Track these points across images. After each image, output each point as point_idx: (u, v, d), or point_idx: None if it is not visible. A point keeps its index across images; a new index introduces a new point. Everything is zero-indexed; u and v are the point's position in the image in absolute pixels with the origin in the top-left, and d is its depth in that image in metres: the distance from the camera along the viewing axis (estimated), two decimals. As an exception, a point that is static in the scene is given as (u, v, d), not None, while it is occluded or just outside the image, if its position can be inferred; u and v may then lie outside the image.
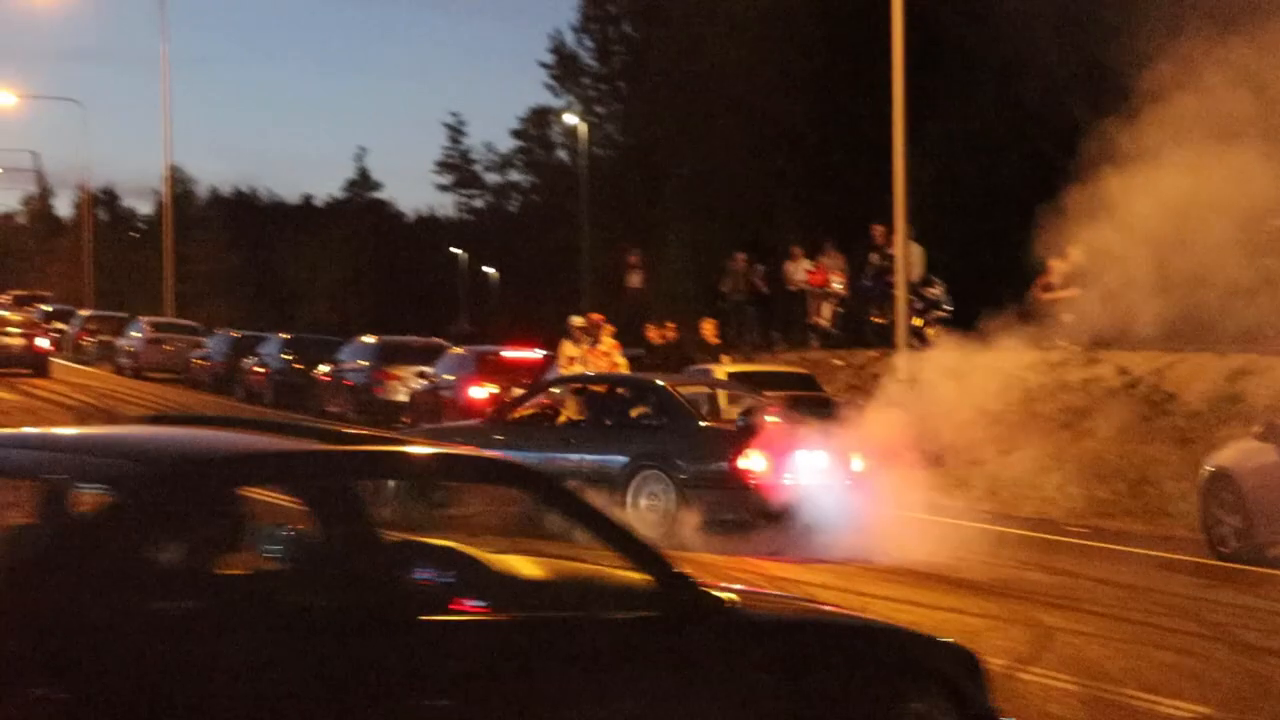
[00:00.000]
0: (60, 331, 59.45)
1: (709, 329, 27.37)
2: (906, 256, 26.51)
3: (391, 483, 6.83)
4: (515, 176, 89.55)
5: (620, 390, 19.13)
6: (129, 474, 5.67)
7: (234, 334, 45.35)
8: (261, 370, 39.23)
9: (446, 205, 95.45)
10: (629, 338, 30.45)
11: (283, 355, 38.89)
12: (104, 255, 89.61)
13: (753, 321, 34.69)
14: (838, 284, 32.00)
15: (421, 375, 31.52)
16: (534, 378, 27.83)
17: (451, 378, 30.03)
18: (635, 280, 37.37)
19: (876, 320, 29.77)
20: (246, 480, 6.11)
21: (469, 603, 6.13)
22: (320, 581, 5.82)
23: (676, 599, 6.20)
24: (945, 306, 28.72)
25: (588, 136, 61.04)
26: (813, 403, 22.63)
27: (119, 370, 48.26)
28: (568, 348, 26.47)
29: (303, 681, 5.44)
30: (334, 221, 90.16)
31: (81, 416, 31.48)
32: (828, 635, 6.98)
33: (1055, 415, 23.62)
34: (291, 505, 6.24)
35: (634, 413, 18.32)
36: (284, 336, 41.43)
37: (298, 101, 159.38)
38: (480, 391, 29.36)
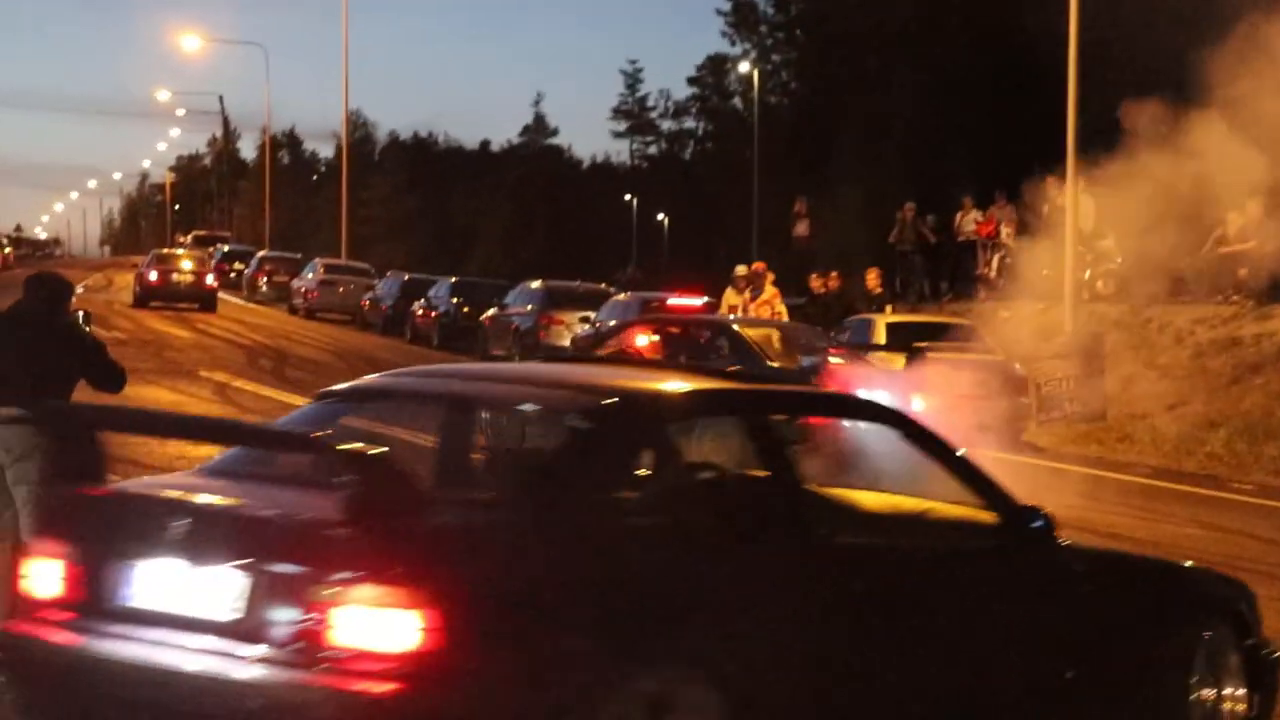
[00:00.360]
0: (239, 272, 60.61)
1: (873, 279, 27.09)
2: (1077, 208, 25.98)
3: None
4: (690, 124, 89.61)
5: (693, 331, 19.70)
6: (600, 408, 6.46)
7: (405, 277, 45.83)
8: (429, 313, 39.60)
9: (621, 152, 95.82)
10: (795, 287, 30.29)
11: (451, 298, 39.22)
12: (284, 198, 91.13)
13: (920, 272, 34.33)
14: (1007, 235, 31.51)
15: (585, 320, 31.58)
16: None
17: (614, 323, 30.05)
18: (802, 229, 37.13)
19: (1045, 272, 29.26)
20: (702, 413, 6.98)
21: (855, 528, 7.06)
22: (748, 502, 6.66)
23: (1019, 531, 7.06)
24: (1116, 259, 28.16)
25: (760, 85, 60.70)
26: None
27: (292, 311, 49.03)
28: (730, 296, 26.38)
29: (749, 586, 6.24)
30: (509, 167, 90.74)
31: (252, 355, 32.01)
32: (1137, 568, 8.04)
33: (1225, 371, 23.11)
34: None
35: (708, 352, 18.86)
36: (453, 280, 41.77)
37: (477, 48, 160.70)
38: (642, 338, 29.37)
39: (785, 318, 25.81)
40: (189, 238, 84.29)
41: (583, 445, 6.32)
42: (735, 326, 19.19)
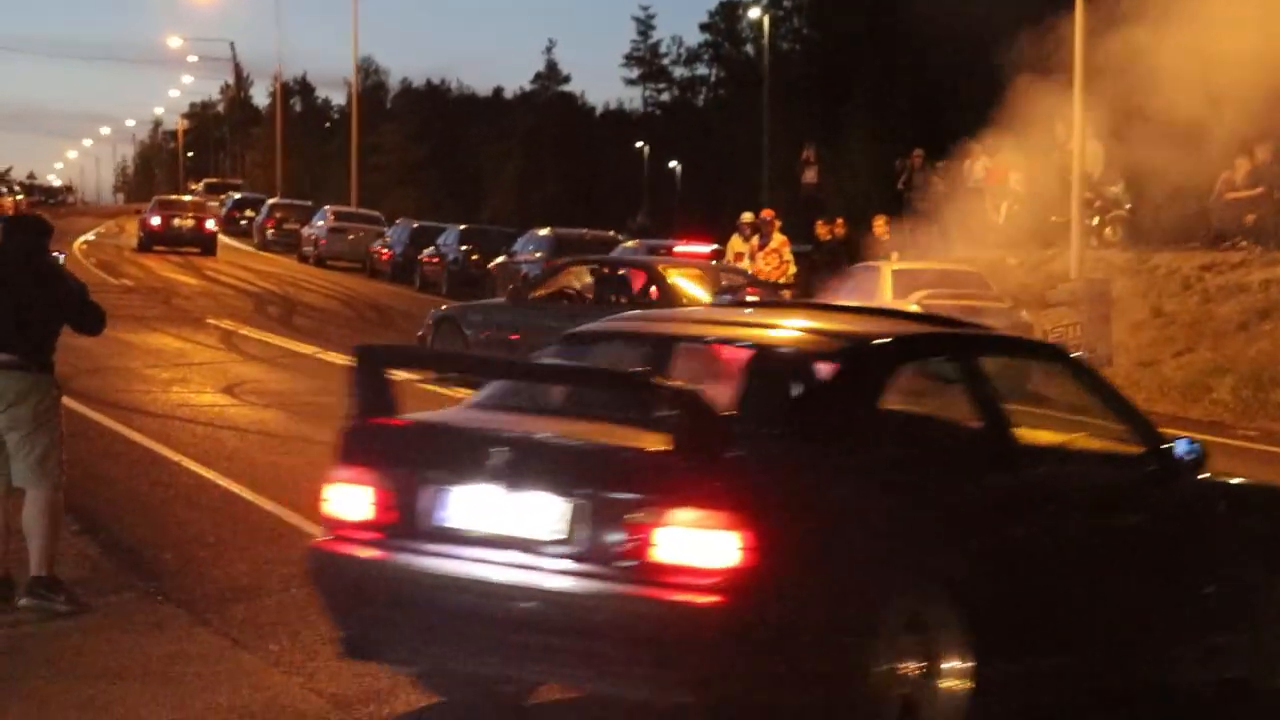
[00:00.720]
0: (250, 219, 60.55)
1: (880, 226, 27.02)
2: (1083, 153, 25.83)
3: None
4: (702, 70, 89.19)
5: (623, 272, 20.41)
6: (856, 350, 7.06)
7: (414, 224, 45.76)
8: (437, 260, 39.56)
9: (634, 99, 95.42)
10: (805, 234, 30.18)
11: (460, 246, 39.17)
12: (297, 145, 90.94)
13: (928, 219, 34.16)
14: (1015, 181, 31.34)
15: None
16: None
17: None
18: (810, 176, 36.96)
19: (1053, 219, 29.14)
20: (932, 354, 7.54)
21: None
22: (971, 435, 7.23)
23: (1168, 462, 7.62)
24: (1125, 206, 28.06)
25: (771, 31, 60.39)
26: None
27: (302, 259, 48.99)
28: (736, 243, 26.30)
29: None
30: (521, 114, 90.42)
31: (260, 303, 32.02)
32: (1266, 494, 8.61)
33: (1232, 317, 23.00)
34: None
35: (635, 293, 19.52)
36: (462, 228, 41.68)
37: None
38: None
39: (792, 266, 25.74)
40: (200, 185, 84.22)
41: (843, 384, 6.92)
42: (659, 268, 20.00)
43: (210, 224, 49.01)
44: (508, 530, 6.41)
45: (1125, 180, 27.75)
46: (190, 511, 11.21)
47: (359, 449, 6.86)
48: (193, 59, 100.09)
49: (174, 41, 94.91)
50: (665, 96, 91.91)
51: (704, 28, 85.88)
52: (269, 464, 13.22)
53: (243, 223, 61.16)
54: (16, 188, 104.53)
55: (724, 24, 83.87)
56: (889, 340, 7.31)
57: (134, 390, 17.61)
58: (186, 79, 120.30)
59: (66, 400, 9.72)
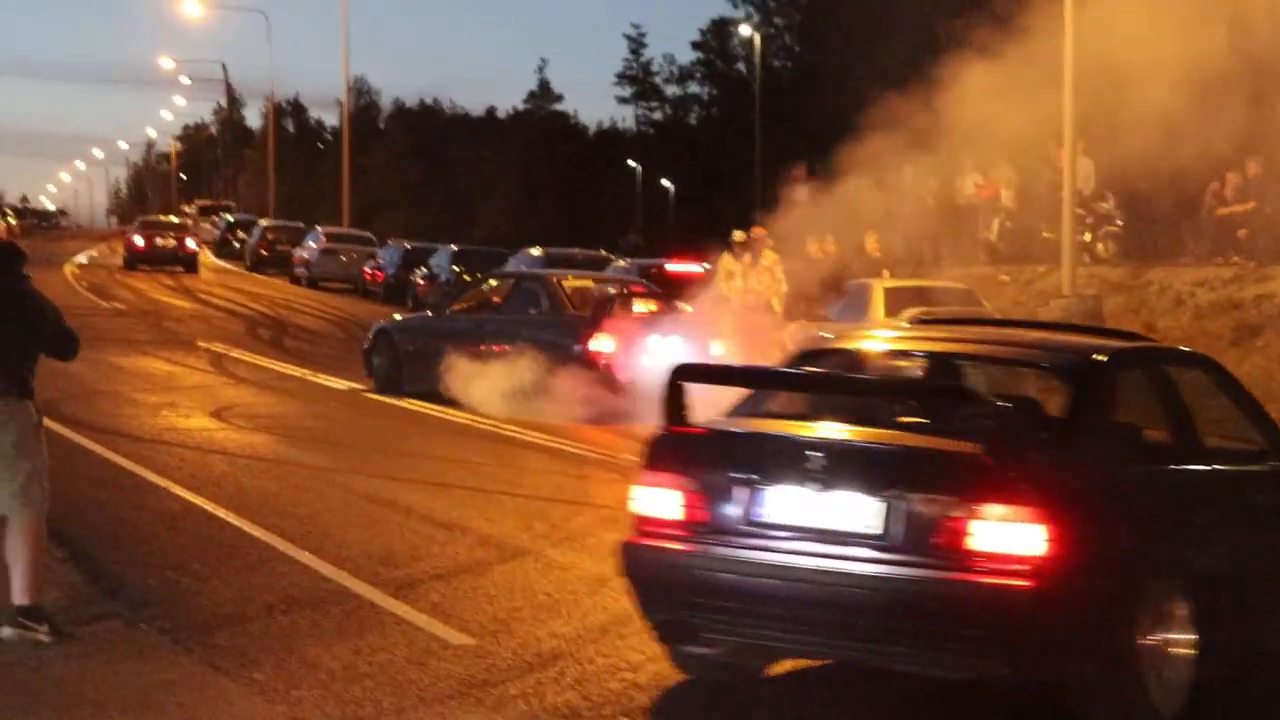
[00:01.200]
0: (242, 241, 60.47)
1: (871, 243, 26.93)
2: (1074, 169, 25.79)
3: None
4: (694, 89, 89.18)
5: (524, 286, 22.14)
6: (1073, 364, 8.08)
7: (406, 245, 45.71)
8: (430, 281, 39.49)
9: (627, 118, 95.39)
10: (793, 252, 30.07)
11: (452, 266, 39.09)
12: (289, 166, 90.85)
13: (920, 236, 34.09)
14: (1007, 198, 31.31)
15: (584, 288, 31.45)
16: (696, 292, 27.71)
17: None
18: (801, 194, 36.87)
19: (1046, 235, 29.09)
20: (1145, 364, 8.49)
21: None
22: (1178, 437, 8.18)
23: None
24: (1116, 221, 28.02)
25: (763, 49, 60.41)
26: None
27: (295, 280, 48.93)
28: (727, 262, 26.18)
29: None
30: (514, 133, 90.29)
31: (251, 325, 31.95)
32: None
33: (1224, 333, 22.95)
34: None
35: (531, 305, 21.23)
36: (453, 248, 41.64)
37: (482, 14, 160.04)
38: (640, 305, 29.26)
39: (784, 285, 25.65)
40: (193, 207, 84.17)
41: (1108, 390, 7.98)
42: (555, 280, 21.95)
43: (191, 243, 51.89)
44: (821, 524, 7.31)
45: (1116, 196, 27.73)
46: (176, 537, 11.12)
47: (668, 455, 7.74)
48: (185, 80, 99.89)
49: (166, 63, 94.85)
50: (658, 115, 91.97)
51: (696, 46, 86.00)
52: (257, 488, 13.14)
53: (235, 245, 61.06)
54: (9, 211, 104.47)
55: (715, 42, 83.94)
56: (1135, 350, 8.70)
57: (122, 415, 17.54)
58: (179, 100, 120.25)
59: (53, 425, 9.66)
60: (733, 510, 7.46)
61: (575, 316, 20.44)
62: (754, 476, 7.44)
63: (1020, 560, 6.97)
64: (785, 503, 7.37)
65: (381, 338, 21.99)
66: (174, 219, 62.36)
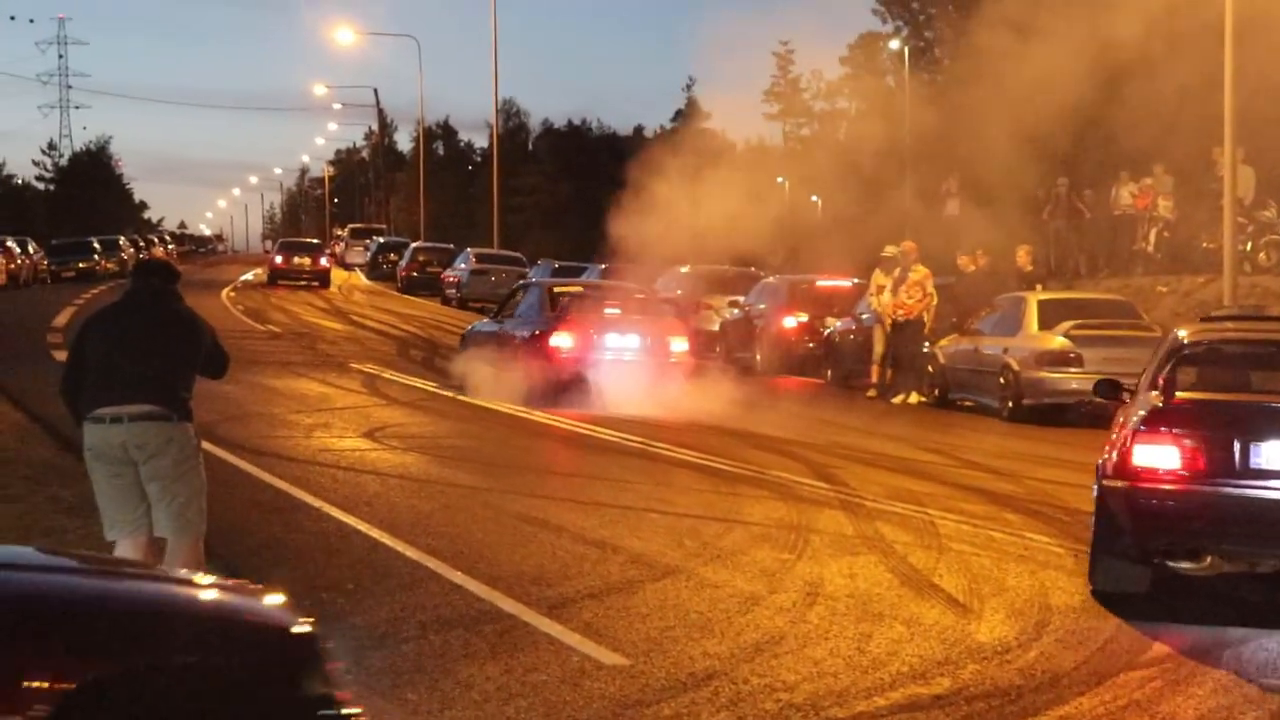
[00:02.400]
0: (393, 263, 61.09)
1: (1023, 256, 26.57)
2: (1235, 178, 25.27)
3: None
4: (842, 104, 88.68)
5: (526, 290, 25.41)
6: None
7: (555, 264, 45.87)
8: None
9: (775, 134, 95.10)
10: (945, 266, 29.76)
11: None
12: (439, 188, 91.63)
13: (1075, 248, 33.65)
14: (1165, 208, 30.78)
15: (734, 304, 31.38)
16: (846, 307, 27.55)
17: (764, 306, 29.84)
18: (952, 208, 36.55)
19: (1205, 245, 28.56)
20: None
21: None
22: None
23: None
24: (1278, 230, 27.43)
25: (911, 62, 59.94)
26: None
27: (445, 301, 49.28)
28: (878, 276, 26.00)
29: None
30: (662, 152, 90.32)
31: (403, 346, 32.19)
32: None
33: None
34: None
35: (525, 307, 24.18)
36: (601, 266, 41.68)
37: (630, 35, 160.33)
38: (792, 320, 29.12)
39: (934, 299, 25.41)
40: (346, 230, 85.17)
41: None
42: (542, 286, 25.05)
43: (324, 261, 58.36)
44: None
45: (1277, 204, 27.16)
46: (329, 558, 11.16)
47: (1166, 420, 9.66)
48: (337, 106, 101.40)
49: (319, 90, 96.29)
50: (805, 130, 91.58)
51: (843, 61, 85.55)
52: (409, 508, 13.17)
53: (385, 266, 61.72)
54: (168, 237, 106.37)
55: (862, 57, 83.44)
56: None
57: (277, 436, 17.70)
58: (332, 126, 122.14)
59: (210, 447, 9.70)
60: (1230, 461, 9.44)
61: (548, 317, 23.05)
62: (1247, 435, 9.46)
63: None
64: (1275, 454, 9.43)
65: (469, 339, 25.59)
66: (310, 240, 69.54)
